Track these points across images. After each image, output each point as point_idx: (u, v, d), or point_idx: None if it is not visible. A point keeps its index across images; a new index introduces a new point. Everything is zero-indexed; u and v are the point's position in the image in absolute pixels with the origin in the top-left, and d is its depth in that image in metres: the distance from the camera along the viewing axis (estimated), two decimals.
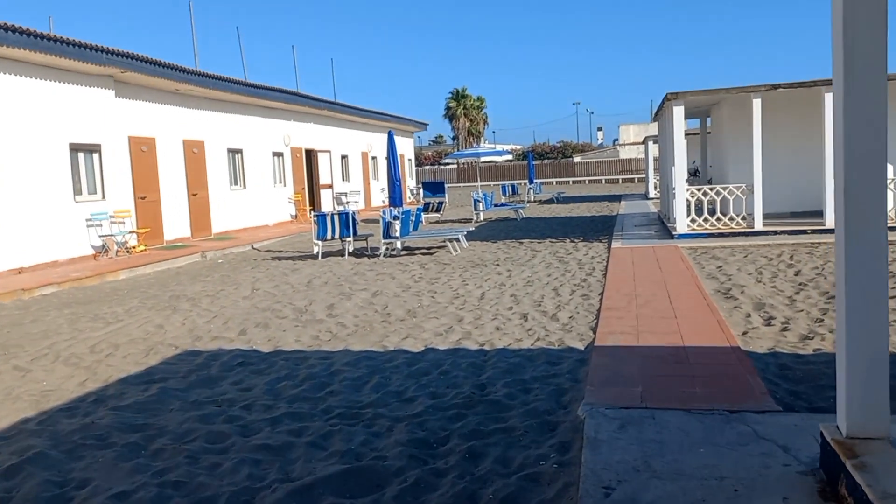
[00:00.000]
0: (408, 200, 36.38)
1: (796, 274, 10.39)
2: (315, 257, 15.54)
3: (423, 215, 25.33)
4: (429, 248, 16.20)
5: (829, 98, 14.00)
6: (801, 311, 8.02)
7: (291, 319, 8.94)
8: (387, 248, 15.50)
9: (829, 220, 14.32)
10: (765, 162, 14.90)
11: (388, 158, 16.83)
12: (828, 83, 14.00)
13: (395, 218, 15.41)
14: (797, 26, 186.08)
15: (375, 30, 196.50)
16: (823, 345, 6.54)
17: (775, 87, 14.45)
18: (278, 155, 25.80)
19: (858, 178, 3.49)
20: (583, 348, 6.85)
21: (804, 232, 14.24)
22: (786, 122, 16.54)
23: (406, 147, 39.07)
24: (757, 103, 14.48)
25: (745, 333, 7.11)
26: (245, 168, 23.55)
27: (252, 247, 18.93)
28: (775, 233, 14.39)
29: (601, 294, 9.50)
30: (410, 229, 16.04)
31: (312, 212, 18.03)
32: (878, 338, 3.57)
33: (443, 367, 6.42)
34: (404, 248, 16.14)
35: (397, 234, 15.30)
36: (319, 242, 15.70)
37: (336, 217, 15.78)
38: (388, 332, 7.94)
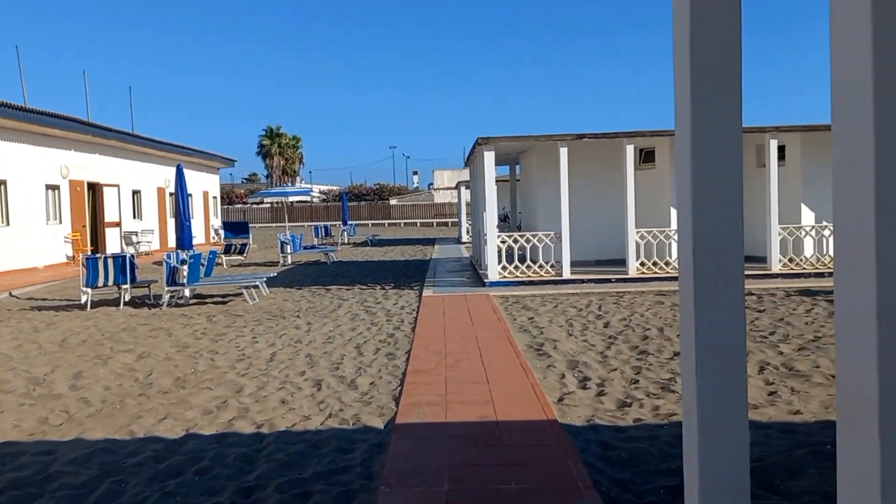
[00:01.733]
0: (212, 241, 33.81)
1: (606, 326, 10.09)
2: (83, 307, 13.25)
3: (226, 258, 23.33)
4: (223, 297, 14.47)
5: (629, 149, 14.31)
6: (615, 369, 7.52)
7: (20, 395, 7.03)
8: (171, 297, 13.59)
9: (632, 270, 14.54)
10: (571, 210, 14.93)
11: (175, 195, 14.96)
12: (630, 135, 14.32)
13: (183, 262, 13.58)
14: (611, 78, 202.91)
15: (185, 61, 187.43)
16: (642, 413, 5.95)
17: (581, 136, 14.57)
18: (53, 188, 22.63)
19: (712, 242, 2.72)
20: (382, 426, 5.75)
21: (609, 280, 14.32)
22: (591, 171, 16.85)
23: (210, 184, 36.51)
24: (564, 152, 14.51)
25: (560, 400, 6.39)
26: (8, 202, 20.29)
27: (10, 294, 16.02)
28: (582, 281, 14.35)
29: (408, 352, 8.51)
30: (201, 275, 14.24)
31: (83, 254, 15.58)
32: (737, 434, 2.80)
33: (202, 463, 5.02)
34: (194, 297, 14.28)
35: (185, 280, 13.47)
36: (89, 290, 13.42)
37: (110, 261, 13.62)
38: (143, 411, 6.36)
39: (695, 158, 2.78)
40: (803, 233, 14.70)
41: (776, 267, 14.18)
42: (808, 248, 14.86)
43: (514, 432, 5.36)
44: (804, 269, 14.36)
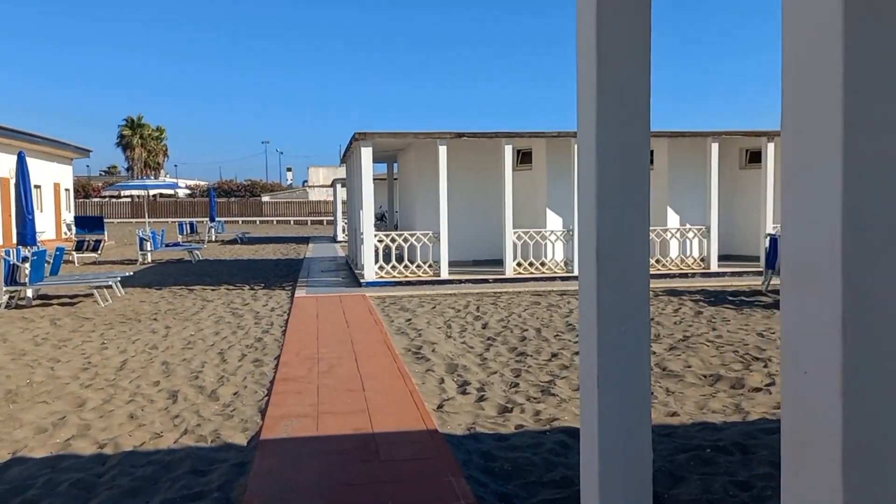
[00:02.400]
0: (63, 236, 31.21)
1: (484, 327, 9.93)
2: None
3: (77, 255, 21.52)
4: (71, 298, 13.18)
5: (508, 150, 14.31)
6: (495, 372, 7.31)
7: None
8: (10, 298, 12.19)
9: (509, 270, 14.55)
10: (450, 209, 14.75)
11: (17, 186, 13.48)
12: (509, 136, 14.32)
13: (24, 259, 12.22)
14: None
15: (35, 43, 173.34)
16: (524, 419, 5.74)
17: (460, 135, 14.42)
18: None
19: (618, 247, 2.47)
20: (245, 443, 5.20)
21: (487, 281, 14.26)
22: (469, 170, 16.77)
23: (63, 175, 33.70)
24: (443, 150, 14.30)
25: (440, 407, 6.09)
26: None
27: None
28: (460, 282, 14.21)
29: (278, 358, 7.94)
30: (46, 273, 12.90)
31: None
32: (641, 446, 2.56)
33: (29, 493, 4.30)
34: (38, 297, 12.92)
35: (27, 279, 12.13)
36: None
37: None
38: None
39: (600, 160, 2.52)
40: (669, 235, 15.28)
41: None
42: (674, 249, 15.46)
43: (392, 445, 4.98)
44: (670, 269, 14.92)
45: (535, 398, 6.37)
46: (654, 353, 8.12)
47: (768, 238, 12.48)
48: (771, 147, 14.91)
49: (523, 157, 16.45)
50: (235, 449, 5.08)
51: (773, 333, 8.98)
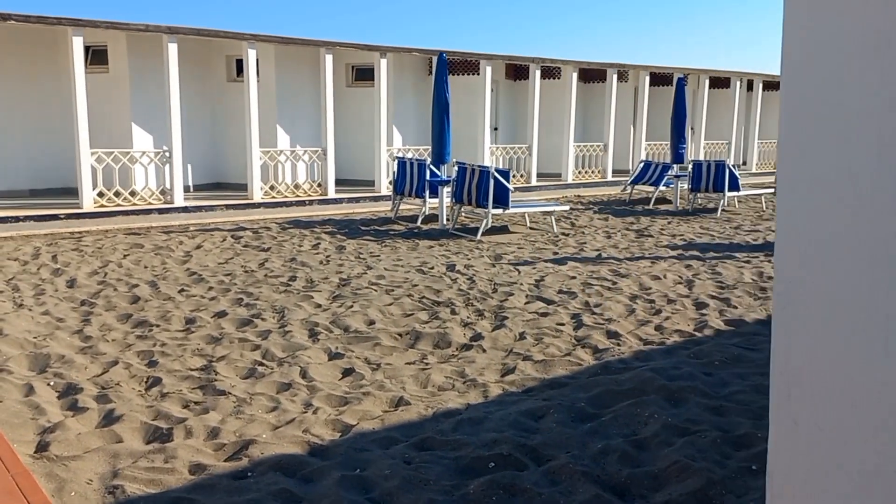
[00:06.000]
0: None
1: (72, 285, 7.22)
2: None
3: None
4: None
5: (77, 43, 10.87)
6: (115, 362, 5.02)
7: None
8: None
9: (88, 202, 11.33)
10: None
11: None
12: (77, 24, 10.83)
13: None
14: None
15: None
16: (196, 448, 3.74)
17: (6, 17, 10.43)
18: None
19: None
20: None
21: (57, 217, 10.87)
22: (18, 70, 12.55)
23: None
24: None
25: (43, 449, 3.70)
26: None
27: None
28: (18, 219, 10.57)
29: None
30: None
31: None
32: None
33: None
34: None
35: None
36: None
37: None
38: None
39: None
40: (284, 157, 13.61)
41: (258, 196, 12.78)
42: (288, 174, 13.87)
43: None
44: (286, 197, 13.32)
45: (196, 402, 4.33)
46: (320, 305, 6.57)
47: (396, 162, 11.70)
48: (384, 63, 14.15)
49: (95, 56, 12.92)
50: None
51: (433, 269, 8.15)
